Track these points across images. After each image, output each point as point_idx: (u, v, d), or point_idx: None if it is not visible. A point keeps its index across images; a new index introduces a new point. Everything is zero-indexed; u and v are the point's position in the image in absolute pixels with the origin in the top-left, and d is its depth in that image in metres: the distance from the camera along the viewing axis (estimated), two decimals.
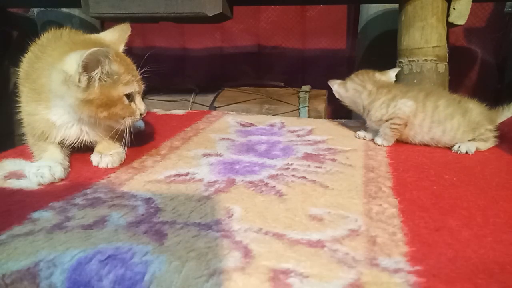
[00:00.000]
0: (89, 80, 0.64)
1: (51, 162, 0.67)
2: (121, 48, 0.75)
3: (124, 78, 0.68)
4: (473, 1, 1.14)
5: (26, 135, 0.74)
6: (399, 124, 0.85)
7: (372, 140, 0.92)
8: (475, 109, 0.86)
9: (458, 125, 0.84)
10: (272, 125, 1.05)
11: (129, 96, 0.69)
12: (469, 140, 0.85)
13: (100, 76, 0.64)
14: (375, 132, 0.92)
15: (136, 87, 0.70)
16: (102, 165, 0.72)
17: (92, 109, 0.66)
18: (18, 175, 0.68)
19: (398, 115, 0.85)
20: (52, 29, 0.75)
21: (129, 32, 0.77)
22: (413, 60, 1.16)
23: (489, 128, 0.85)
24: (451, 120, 0.84)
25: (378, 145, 0.89)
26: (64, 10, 1.74)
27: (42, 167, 0.65)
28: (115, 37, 0.76)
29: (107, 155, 0.73)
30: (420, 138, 0.87)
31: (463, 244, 0.48)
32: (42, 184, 0.64)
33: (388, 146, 0.88)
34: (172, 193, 0.62)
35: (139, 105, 0.72)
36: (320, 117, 1.44)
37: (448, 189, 0.65)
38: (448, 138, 0.85)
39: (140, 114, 0.72)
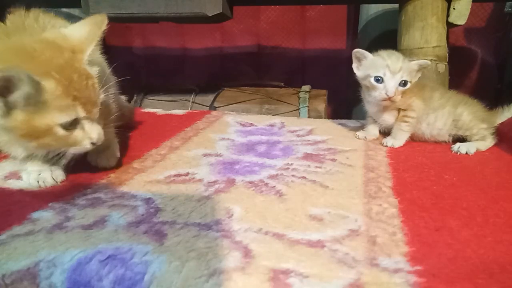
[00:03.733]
0: (7, 105, 0.52)
1: (54, 164, 0.65)
2: (89, 49, 0.58)
3: (58, 103, 0.53)
4: (473, 1, 1.14)
5: None
6: (413, 117, 0.86)
7: (377, 141, 0.92)
8: (465, 110, 0.87)
9: (449, 114, 0.87)
10: (272, 125, 1.05)
11: (71, 123, 0.55)
12: (466, 139, 0.86)
13: (18, 101, 0.51)
14: (376, 128, 0.93)
15: (80, 112, 0.55)
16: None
17: (16, 138, 0.56)
18: (18, 176, 0.68)
19: (412, 107, 0.86)
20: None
21: (103, 27, 0.59)
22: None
23: (483, 127, 0.86)
24: (443, 110, 0.87)
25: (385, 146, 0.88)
26: (64, 10, 1.74)
27: (43, 171, 0.64)
28: (84, 34, 0.58)
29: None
30: (419, 126, 0.89)
31: (463, 244, 0.48)
32: (42, 188, 0.64)
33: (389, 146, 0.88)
34: (172, 193, 0.62)
35: (90, 133, 0.58)
36: (320, 117, 1.44)
37: (448, 189, 0.65)
38: (440, 124, 0.87)
39: (92, 144, 0.58)
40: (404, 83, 0.82)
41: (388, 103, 0.85)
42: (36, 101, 0.52)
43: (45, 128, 0.54)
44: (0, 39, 0.59)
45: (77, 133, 0.57)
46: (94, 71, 0.59)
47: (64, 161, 0.60)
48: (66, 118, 0.54)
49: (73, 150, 0.59)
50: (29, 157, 0.64)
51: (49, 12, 0.70)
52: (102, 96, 0.60)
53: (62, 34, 0.59)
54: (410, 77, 0.83)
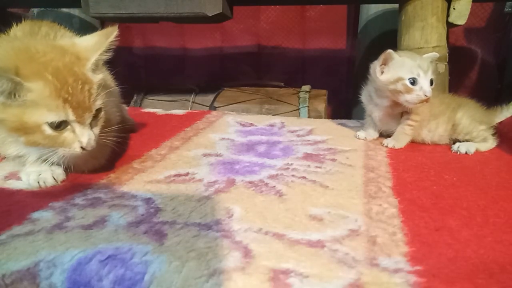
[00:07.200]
0: None
1: (52, 165, 0.65)
2: (94, 56, 0.61)
3: (46, 102, 0.54)
4: (473, 1, 1.14)
5: None
6: (417, 121, 0.85)
7: (377, 141, 0.91)
8: (464, 114, 0.86)
9: (449, 120, 0.87)
10: (272, 125, 1.05)
11: (61, 124, 0.57)
12: (467, 141, 0.86)
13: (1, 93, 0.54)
14: (376, 129, 0.92)
15: (69, 115, 0.56)
16: None
17: (6, 131, 0.58)
18: (18, 176, 0.68)
19: (417, 111, 0.85)
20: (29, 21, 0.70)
21: (111, 37, 0.63)
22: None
23: (482, 128, 0.86)
24: (443, 116, 0.87)
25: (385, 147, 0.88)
26: (64, 10, 1.74)
27: (44, 172, 0.64)
28: (91, 43, 0.63)
29: None
30: (420, 131, 0.88)
31: (463, 244, 0.48)
32: (42, 188, 0.63)
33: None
34: (172, 193, 0.62)
35: (80, 136, 0.58)
36: (320, 117, 1.44)
37: (448, 189, 0.65)
38: (441, 130, 0.88)
39: (81, 148, 0.59)
40: (431, 81, 0.79)
41: (420, 105, 0.81)
42: (16, 98, 0.54)
43: (33, 124, 0.55)
44: (10, 42, 0.62)
45: (67, 135, 0.58)
46: (97, 78, 0.61)
47: (55, 160, 0.61)
48: (53, 117, 0.56)
49: (62, 152, 0.60)
50: (20, 158, 0.64)
51: (60, 25, 0.74)
52: (98, 102, 0.60)
53: (72, 41, 0.64)
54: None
